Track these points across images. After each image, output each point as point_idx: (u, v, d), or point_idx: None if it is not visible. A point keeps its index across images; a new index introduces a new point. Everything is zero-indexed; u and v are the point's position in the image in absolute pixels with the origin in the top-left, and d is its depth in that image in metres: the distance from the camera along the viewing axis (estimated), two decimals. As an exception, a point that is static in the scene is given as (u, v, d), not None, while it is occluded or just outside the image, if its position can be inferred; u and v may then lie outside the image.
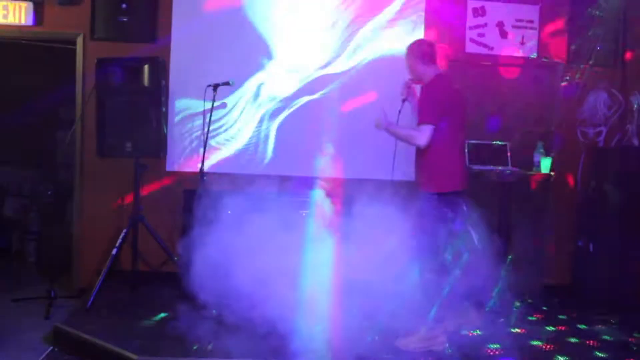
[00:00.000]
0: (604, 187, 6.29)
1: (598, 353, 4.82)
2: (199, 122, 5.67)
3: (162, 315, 5.07)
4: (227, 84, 5.75)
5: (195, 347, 4.39)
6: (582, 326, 5.50)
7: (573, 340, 5.12)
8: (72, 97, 6.28)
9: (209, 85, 5.70)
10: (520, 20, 6.60)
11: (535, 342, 4.95)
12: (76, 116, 6.21)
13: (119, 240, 5.55)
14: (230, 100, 6.16)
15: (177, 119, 6.17)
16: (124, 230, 5.60)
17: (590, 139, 6.70)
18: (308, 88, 6.31)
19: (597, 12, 6.57)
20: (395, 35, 6.38)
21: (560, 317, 5.72)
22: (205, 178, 5.39)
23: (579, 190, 6.65)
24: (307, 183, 5.78)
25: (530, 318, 5.58)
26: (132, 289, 5.78)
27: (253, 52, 6.26)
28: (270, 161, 6.21)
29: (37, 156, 8.15)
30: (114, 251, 5.52)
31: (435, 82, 4.74)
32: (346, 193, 5.58)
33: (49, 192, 7.87)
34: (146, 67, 5.54)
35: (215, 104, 5.73)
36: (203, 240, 4.74)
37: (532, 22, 6.61)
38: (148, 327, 4.90)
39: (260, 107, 6.26)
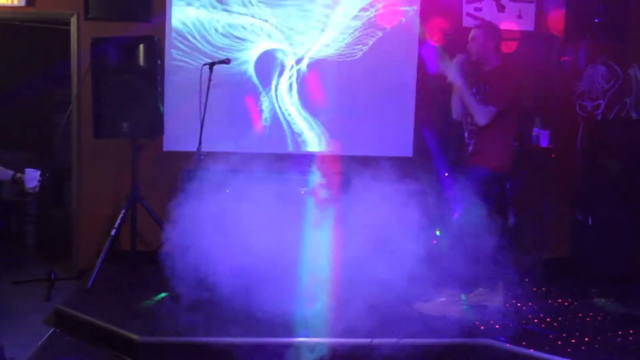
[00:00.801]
0: (602, 160, 6.28)
1: (598, 325, 4.85)
2: (196, 101, 5.61)
3: (163, 295, 5.07)
4: (224, 62, 5.70)
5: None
6: (582, 299, 5.52)
7: (572, 313, 5.14)
8: (67, 78, 6.24)
9: (205, 64, 5.66)
10: (518, -7, 6.55)
11: (534, 316, 4.97)
12: (72, 97, 6.17)
13: (118, 221, 5.54)
14: (229, 79, 6.11)
15: (174, 98, 6.13)
16: (123, 211, 5.59)
17: (589, 112, 6.68)
18: (306, 63, 6.27)
19: (595, -16, 6.53)
20: (391, 9, 6.33)
21: (560, 290, 5.74)
22: (202, 157, 5.36)
23: (577, 163, 6.64)
24: (307, 161, 5.77)
25: (529, 292, 5.59)
26: (132, 269, 5.78)
27: (251, 28, 6.21)
28: (269, 139, 6.19)
29: (34, 138, 8.11)
30: (112, 232, 5.51)
31: (509, 69, 4.88)
32: (344, 170, 5.60)
33: (47, 174, 7.84)
34: (141, 46, 5.49)
35: (212, 82, 5.69)
36: (198, 220, 4.75)
37: (529, -5, 6.56)
38: (149, 307, 4.90)
39: (259, 84, 6.22)
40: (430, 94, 6.40)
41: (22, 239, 7.71)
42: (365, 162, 5.37)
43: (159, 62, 5.58)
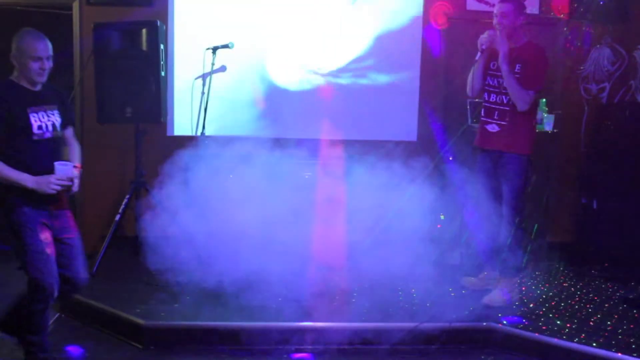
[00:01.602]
0: (607, 143, 6.26)
1: (603, 309, 4.85)
2: (199, 85, 5.60)
3: (167, 279, 5.07)
4: (226, 46, 5.68)
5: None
6: (587, 283, 5.52)
7: (578, 296, 5.14)
8: (70, 63, 6.21)
9: (208, 48, 5.64)
10: (522, -24, 6.50)
11: (539, 299, 4.97)
12: (74, 83, 6.15)
13: (122, 207, 5.54)
14: (231, 62, 6.07)
15: (177, 83, 6.11)
16: (127, 197, 5.58)
17: (594, 96, 6.65)
18: (310, 52, 6.24)
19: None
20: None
21: (565, 274, 5.74)
22: (206, 142, 5.35)
23: (582, 147, 6.62)
24: (311, 145, 5.76)
25: (535, 275, 5.59)
26: (136, 254, 5.77)
27: (254, 12, 6.17)
28: (273, 124, 6.16)
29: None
30: (117, 217, 5.51)
31: (542, 49, 4.75)
32: (348, 154, 5.59)
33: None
34: (144, 31, 5.45)
35: (215, 67, 5.67)
36: (200, 205, 4.77)
37: (534, -23, 6.51)
38: (153, 291, 4.91)
39: (263, 69, 6.18)
40: (434, 79, 6.38)
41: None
42: (369, 147, 5.37)
43: (161, 46, 5.55)
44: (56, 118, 3.70)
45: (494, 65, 4.80)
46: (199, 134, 5.63)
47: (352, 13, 6.27)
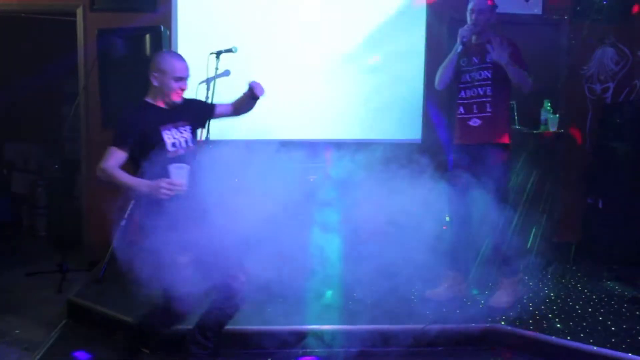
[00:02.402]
0: (612, 143, 6.25)
1: (609, 309, 4.84)
2: (203, 90, 5.58)
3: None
4: (229, 51, 5.68)
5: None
6: (593, 282, 5.51)
7: (584, 296, 5.14)
8: (75, 69, 6.24)
9: (212, 53, 5.64)
10: (525, -23, 6.51)
11: (545, 299, 4.97)
12: (79, 89, 6.18)
13: (128, 212, 5.55)
14: (235, 67, 6.08)
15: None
16: (132, 202, 5.59)
17: (598, 95, 6.65)
18: (313, 54, 6.25)
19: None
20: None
21: (571, 273, 5.73)
22: (210, 146, 5.35)
23: (587, 147, 6.62)
24: (316, 148, 5.75)
25: (540, 275, 5.59)
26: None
27: (257, 16, 6.19)
28: (278, 127, 6.17)
29: (43, 131, 8.14)
30: (122, 222, 5.52)
31: (511, 40, 4.78)
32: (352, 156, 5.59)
33: (56, 167, 7.88)
34: (148, 36, 5.49)
35: (218, 71, 5.67)
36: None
37: (536, -22, 6.51)
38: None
39: (266, 72, 6.19)
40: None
41: (33, 231, 7.76)
42: (373, 148, 5.37)
43: (165, 52, 5.57)
44: (188, 134, 3.75)
45: (464, 62, 4.83)
46: (203, 138, 5.63)
47: (355, 13, 6.29)
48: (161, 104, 3.70)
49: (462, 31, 4.75)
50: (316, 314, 4.56)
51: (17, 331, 4.64)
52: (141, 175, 3.45)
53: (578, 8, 6.55)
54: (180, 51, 6.11)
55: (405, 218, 4.74)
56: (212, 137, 5.55)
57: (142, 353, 3.76)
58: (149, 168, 3.43)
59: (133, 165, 3.54)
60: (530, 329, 4.38)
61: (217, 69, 5.54)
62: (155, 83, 3.69)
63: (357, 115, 6.22)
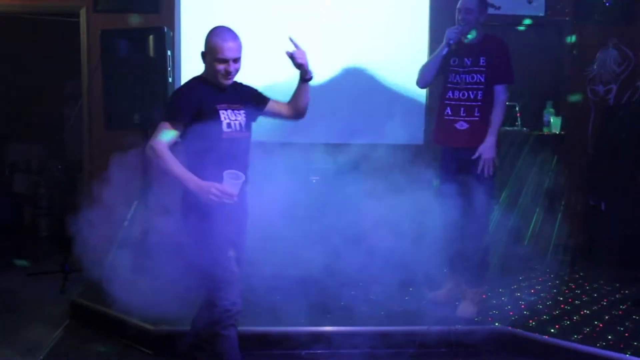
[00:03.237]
0: (614, 145, 6.25)
1: (613, 311, 4.84)
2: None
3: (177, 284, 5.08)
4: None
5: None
6: (596, 284, 5.51)
7: (587, 298, 5.13)
8: (77, 71, 6.25)
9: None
10: (527, -21, 6.51)
11: (549, 302, 4.96)
12: (82, 90, 6.19)
13: (130, 212, 5.55)
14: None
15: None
16: (135, 202, 5.59)
17: (601, 97, 6.65)
18: (316, 55, 6.23)
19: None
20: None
21: (574, 276, 5.73)
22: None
23: (589, 149, 6.61)
24: (318, 149, 5.75)
25: (544, 277, 5.59)
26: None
27: (260, 17, 6.19)
28: (280, 127, 6.15)
29: (45, 132, 8.14)
30: (125, 223, 5.52)
31: (504, 41, 4.65)
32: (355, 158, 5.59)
33: (59, 167, 7.89)
34: (151, 37, 5.47)
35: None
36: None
37: (539, -20, 6.52)
38: (164, 297, 4.91)
39: (269, 72, 6.19)
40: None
41: (36, 232, 7.75)
42: (375, 150, 5.37)
43: (168, 52, 5.57)
44: (243, 118, 3.45)
45: (454, 61, 4.64)
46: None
47: (359, 12, 6.31)
48: (214, 82, 3.41)
49: (450, 32, 4.56)
50: (318, 314, 4.56)
51: (20, 332, 4.64)
52: (191, 156, 3.25)
53: (580, 10, 6.55)
54: (183, 52, 6.13)
55: (405, 220, 4.75)
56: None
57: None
58: (201, 148, 3.24)
59: (182, 144, 3.33)
60: (534, 332, 4.37)
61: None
62: (203, 61, 3.45)
63: (357, 117, 6.20)
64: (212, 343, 3.38)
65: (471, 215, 4.53)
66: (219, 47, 3.31)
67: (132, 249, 5.44)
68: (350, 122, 6.17)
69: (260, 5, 6.24)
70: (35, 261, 6.38)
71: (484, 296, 4.87)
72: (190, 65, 6.13)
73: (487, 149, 4.50)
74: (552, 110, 6.27)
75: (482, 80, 4.57)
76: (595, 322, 4.57)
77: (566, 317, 4.65)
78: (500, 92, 4.56)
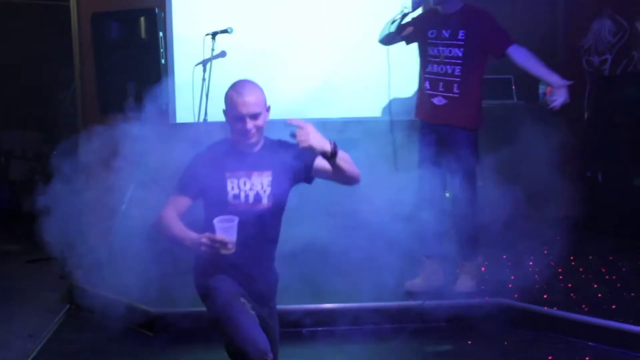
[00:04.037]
0: (610, 115, 6.24)
1: (612, 281, 4.86)
2: (199, 72, 5.58)
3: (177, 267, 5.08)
4: (225, 31, 5.66)
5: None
6: (594, 255, 5.53)
7: (586, 270, 5.15)
8: (70, 55, 6.21)
9: (207, 34, 5.62)
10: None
11: (549, 274, 4.97)
12: (75, 76, 6.15)
13: (127, 196, 5.54)
14: (231, 47, 6.04)
15: (177, 70, 6.09)
16: (131, 187, 5.58)
17: (596, 68, 6.62)
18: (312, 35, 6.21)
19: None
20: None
21: (573, 247, 5.74)
22: (209, 128, 5.34)
23: (585, 120, 6.60)
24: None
25: (541, 249, 5.60)
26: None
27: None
28: (275, 107, 6.12)
29: (40, 118, 8.12)
30: (123, 207, 5.51)
31: (486, 9, 4.46)
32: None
33: (54, 153, 7.85)
34: (142, 19, 5.46)
35: (215, 52, 5.66)
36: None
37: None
38: (163, 280, 4.92)
39: (263, 52, 6.15)
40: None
41: (33, 218, 7.73)
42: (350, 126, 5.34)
43: (160, 34, 5.55)
44: (265, 187, 2.97)
45: (432, 33, 4.45)
46: (201, 120, 5.62)
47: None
48: (241, 146, 2.99)
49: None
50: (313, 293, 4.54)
51: (21, 318, 4.65)
52: (205, 224, 2.92)
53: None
54: (175, 33, 6.07)
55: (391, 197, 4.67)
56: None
57: None
58: (210, 218, 2.87)
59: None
60: (528, 302, 4.39)
61: (213, 50, 5.54)
62: (226, 119, 3.01)
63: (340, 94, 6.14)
64: None
65: (455, 190, 4.46)
66: (233, 102, 2.89)
67: (129, 232, 5.46)
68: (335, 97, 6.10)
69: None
70: (34, 248, 6.37)
71: (482, 269, 4.85)
72: (182, 46, 6.10)
73: (563, 92, 4.51)
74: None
75: (460, 55, 4.37)
76: (596, 293, 4.57)
77: (567, 289, 4.66)
78: (518, 50, 4.40)
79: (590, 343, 4.06)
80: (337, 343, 4.21)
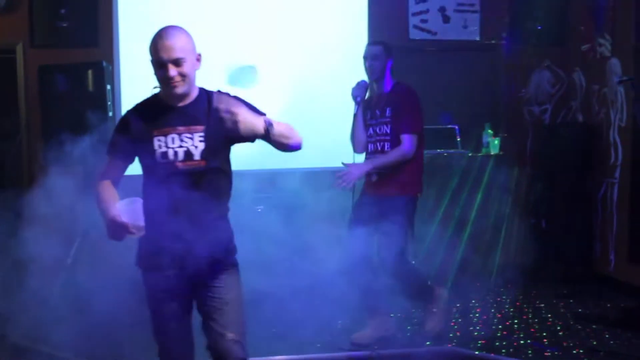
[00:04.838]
0: (551, 163, 6.42)
1: (557, 327, 4.94)
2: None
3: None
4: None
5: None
6: (540, 301, 5.63)
7: (531, 315, 5.24)
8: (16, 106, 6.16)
9: (155, 87, 5.62)
10: (462, 5, 6.66)
11: (494, 320, 5.04)
12: (21, 127, 6.09)
13: (73, 250, 5.46)
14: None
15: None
16: (77, 239, 5.49)
17: (537, 117, 6.83)
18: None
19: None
20: (339, 24, 6.35)
21: (518, 294, 5.82)
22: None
23: (528, 169, 6.77)
24: (263, 178, 5.74)
25: (487, 297, 5.66)
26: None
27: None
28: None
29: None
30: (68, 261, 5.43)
31: (411, 90, 4.53)
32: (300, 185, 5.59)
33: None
34: (90, 72, 5.46)
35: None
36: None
37: (473, 5, 6.68)
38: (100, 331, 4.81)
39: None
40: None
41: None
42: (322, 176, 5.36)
43: (108, 87, 5.55)
44: (197, 144, 2.74)
45: (368, 114, 4.60)
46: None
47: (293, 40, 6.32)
48: (169, 100, 2.82)
49: (354, 91, 4.55)
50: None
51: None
52: (144, 188, 2.82)
53: (514, 33, 6.73)
54: (123, 86, 6.08)
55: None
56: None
57: None
58: (146, 182, 2.84)
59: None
60: (479, 351, 4.41)
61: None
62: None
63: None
64: None
65: (384, 245, 4.44)
66: (154, 46, 2.77)
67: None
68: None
69: (198, 37, 6.21)
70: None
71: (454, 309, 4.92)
72: (130, 99, 6.06)
73: (357, 167, 4.41)
74: (490, 131, 6.42)
75: (388, 131, 4.48)
76: (541, 338, 4.66)
77: (514, 335, 4.72)
78: (405, 141, 4.40)
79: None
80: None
